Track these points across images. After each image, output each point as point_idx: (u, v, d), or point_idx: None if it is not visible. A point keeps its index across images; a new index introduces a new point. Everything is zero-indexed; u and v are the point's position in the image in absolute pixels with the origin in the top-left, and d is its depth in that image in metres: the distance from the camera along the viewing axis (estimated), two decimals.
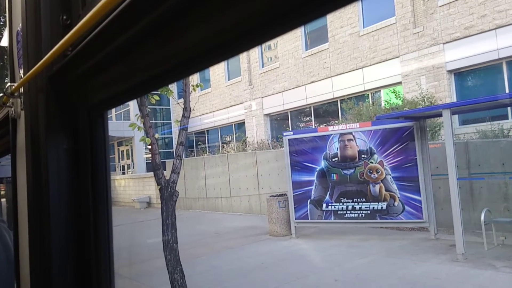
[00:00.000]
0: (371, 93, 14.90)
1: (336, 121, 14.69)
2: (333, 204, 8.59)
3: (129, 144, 25.56)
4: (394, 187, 8.01)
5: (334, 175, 8.60)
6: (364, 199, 8.29)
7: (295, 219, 8.92)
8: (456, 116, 11.45)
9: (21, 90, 1.03)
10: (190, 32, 0.57)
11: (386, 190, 8.07)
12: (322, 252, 7.70)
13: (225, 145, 20.13)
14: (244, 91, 20.11)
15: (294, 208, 8.91)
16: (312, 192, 8.80)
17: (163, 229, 4.87)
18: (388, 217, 8.12)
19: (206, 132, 23.54)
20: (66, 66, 0.82)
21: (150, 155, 5.30)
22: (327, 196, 8.65)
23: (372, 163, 8.20)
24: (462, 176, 7.82)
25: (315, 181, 8.78)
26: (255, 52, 19.16)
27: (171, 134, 25.90)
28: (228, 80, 21.28)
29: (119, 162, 27.08)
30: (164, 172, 5.32)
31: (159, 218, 4.96)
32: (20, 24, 1.02)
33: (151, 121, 5.05)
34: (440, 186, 8.33)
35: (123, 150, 26.68)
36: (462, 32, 12.02)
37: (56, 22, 0.89)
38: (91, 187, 0.91)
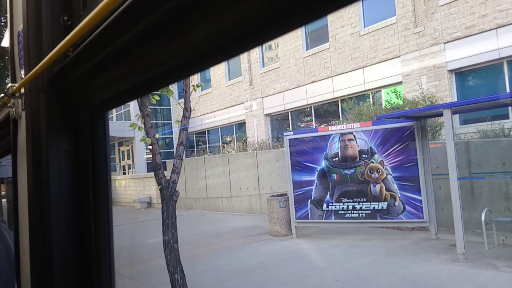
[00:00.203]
0: (371, 93, 14.89)
1: (337, 121, 14.68)
2: (333, 204, 8.58)
3: (130, 144, 25.58)
4: (394, 187, 8.01)
5: (335, 175, 8.59)
6: (364, 199, 8.28)
7: (296, 219, 8.92)
8: (457, 115, 11.44)
9: (22, 90, 1.03)
10: (190, 32, 0.57)
11: (386, 190, 8.07)
12: (323, 252, 7.70)
13: (225, 145, 20.12)
14: (244, 91, 20.11)
15: (295, 208, 8.91)
16: (313, 192, 8.80)
17: (163, 229, 4.87)
18: (388, 217, 8.12)
19: (206, 132, 23.54)
20: (67, 67, 0.82)
21: (150, 155, 5.31)
22: (328, 196, 8.64)
23: (373, 163, 8.20)
24: (462, 175, 7.81)
25: (316, 181, 8.78)
26: (255, 52, 19.16)
27: (172, 134, 25.91)
28: (229, 80, 21.28)
29: (119, 162, 27.09)
30: (165, 172, 5.32)
31: (160, 218, 4.96)
32: (21, 25, 1.02)
33: (151, 121, 5.05)
34: (441, 185, 8.33)
35: (123, 150, 26.69)
36: (463, 32, 12.01)
37: (57, 22, 0.89)
38: (92, 187, 0.91)
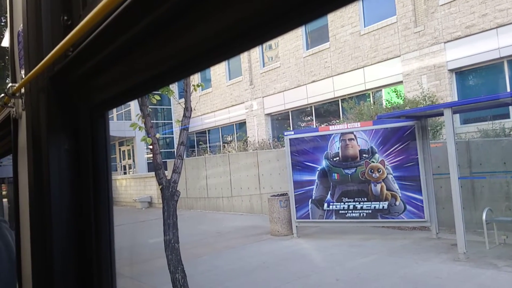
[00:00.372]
0: (372, 92, 14.88)
1: (337, 121, 14.69)
2: (334, 203, 8.58)
3: (130, 144, 25.59)
4: (395, 186, 8.01)
5: (336, 174, 8.59)
6: (365, 199, 8.28)
7: (297, 218, 8.92)
8: (458, 115, 11.44)
9: (23, 90, 1.03)
10: (190, 31, 0.57)
11: (387, 189, 8.07)
12: (324, 252, 7.70)
13: (226, 144, 20.12)
14: (245, 91, 20.11)
15: (296, 207, 8.91)
16: (313, 192, 8.80)
17: (164, 229, 4.87)
18: (389, 216, 8.11)
19: (207, 132, 23.54)
20: (67, 66, 0.82)
21: (151, 155, 5.31)
22: (329, 196, 8.64)
23: (374, 162, 8.19)
24: (463, 175, 7.80)
25: (316, 180, 8.78)
26: (256, 51, 19.16)
27: (172, 134, 25.92)
28: (229, 79, 21.28)
29: (120, 162, 27.11)
30: (165, 172, 5.33)
31: (161, 218, 4.97)
32: (21, 25, 1.02)
33: (152, 121, 5.06)
34: (442, 185, 8.32)
35: (124, 150, 26.71)
36: (463, 31, 12.00)
37: (57, 22, 0.89)
38: (93, 187, 0.91)
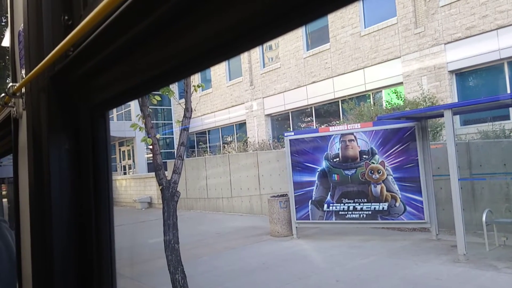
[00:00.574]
0: (372, 93, 14.89)
1: (337, 122, 14.69)
2: (334, 204, 8.58)
3: (130, 144, 25.59)
4: (395, 187, 8.01)
5: (335, 175, 8.59)
6: (365, 200, 8.28)
7: (296, 219, 8.92)
8: (458, 116, 11.44)
9: (23, 90, 1.03)
10: (191, 31, 0.57)
11: (387, 190, 8.07)
12: (324, 253, 7.70)
13: (226, 145, 20.13)
14: (245, 92, 20.11)
15: (295, 208, 8.91)
16: (313, 193, 8.79)
17: (164, 230, 4.87)
18: (389, 217, 8.11)
19: (207, 132, 23.55)
20: (68, 66, 0.82)
21: (151, 155, 5.31)
22: (328, 197, 8.64)
23: (374, 163, 8.19)
24: (463, 176, 7.80)
25: (316, 181, 8.77)
26: (256, 52, 19.17)
27: (172, 135, 25.92)
28: (229, 80, 21.29)
29: (120, 162, 27.11)
30: (166, 172, 5.32)
31: (161, 218, 4.97)
32: (22, 25, 1.02)
33: (152, 122, 5.06)
34: (442, 186, 8.32)
35: (124, 151, 26.71)
36: (464, 33, 12.00)
37: (57, 22, 0.89)
38: (93, 187, 0.91)
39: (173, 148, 24.36)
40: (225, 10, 0.51)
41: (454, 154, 6.57)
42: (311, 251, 8.08)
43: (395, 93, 12.79)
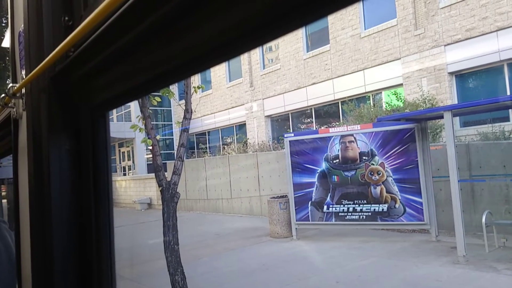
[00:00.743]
0: (372, 94, 14.89)
1: (337, 123, 14.70)
2: (334, 206, 8.58)
3: (130, 145, 25.59)
4: (395, 189, 8.01)
5: (335, 176, 8.59)
6: (365, 201, 8.28)
7: (296, 220, 8.91)
8: (457, 118, 11.44)
9: (23, 91, 1.03)
10: (191, 32, 0.57)
11: (387, 192, 8.07)
12: (323, 254, 7.69)
13: (226, 146, 20.13)
14: (245, 93, 20.12)
15: (295, 209, 8.91)
16: (313, 194, 8.79)
17: (164, 231, 4.87)
18: (389, 219, 8.11)
19: (207, 133, 23.55)
20: (68, 67, 0.82)
21: (151, 156, 5.31)
22: (328, 198, 8.64)
23: (373, 165, 8.19)
24: (463, 178, 7.80)
25: (316, 182, 8.77)
26: (256, 53, 19.18)
27: (172, 136, 25.93)
28: (229, 81, 21.30)
29: (120, 163, 27.11)
30: (165, 173, 5.32)
31: (160, 219, 4.96)
32: (22, 25, 1.02)
33: (152, 123, 5.06)
34: (441, 188, 8.32)
35: (124, 151, 26.71)
36: (464, 34, 12.01)
37: (58, 23, 0.89)
38: (93, 188, 0.91)
39: (173, 149, 24.36)
40: (225, 11, 0.51)
41: (453, 155, 6.57)
42: (311, 252, 8.07)
43: (395, 94, 12.80)
